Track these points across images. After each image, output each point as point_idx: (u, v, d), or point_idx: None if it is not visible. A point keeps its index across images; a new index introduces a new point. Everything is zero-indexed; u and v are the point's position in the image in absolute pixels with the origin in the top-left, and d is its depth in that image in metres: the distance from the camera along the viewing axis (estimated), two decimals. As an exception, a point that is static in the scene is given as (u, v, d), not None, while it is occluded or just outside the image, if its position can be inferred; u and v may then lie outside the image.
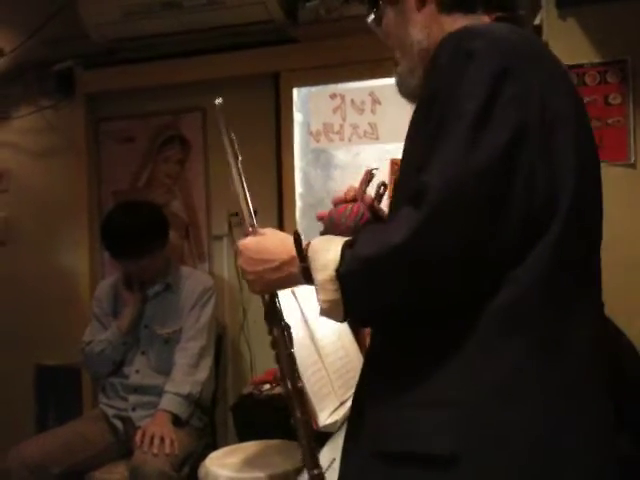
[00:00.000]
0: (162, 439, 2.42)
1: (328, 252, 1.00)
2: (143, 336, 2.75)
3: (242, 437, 2.50)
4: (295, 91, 3.13)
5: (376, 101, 2.97)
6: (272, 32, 3.00)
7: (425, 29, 1.16)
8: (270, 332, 1.22)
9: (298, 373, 1.22)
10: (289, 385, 1.21)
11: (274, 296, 1.22)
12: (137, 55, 3.23)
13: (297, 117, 3.14)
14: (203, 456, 2.12)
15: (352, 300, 0.98)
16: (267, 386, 2.42)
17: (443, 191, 0.91)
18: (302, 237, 1.08)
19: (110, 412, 2.72)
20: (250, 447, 2.03)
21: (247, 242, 1.17)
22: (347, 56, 2.90)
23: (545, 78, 1.01)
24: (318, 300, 1.00)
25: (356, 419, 1.10)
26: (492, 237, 0.94)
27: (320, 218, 1.44)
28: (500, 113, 0.94)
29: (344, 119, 3.02)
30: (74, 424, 2.74)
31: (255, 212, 1.24)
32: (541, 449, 0.94)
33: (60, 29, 3.11)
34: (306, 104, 3.13)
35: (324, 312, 1.01)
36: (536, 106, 0.98)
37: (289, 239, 1.10)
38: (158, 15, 2.93)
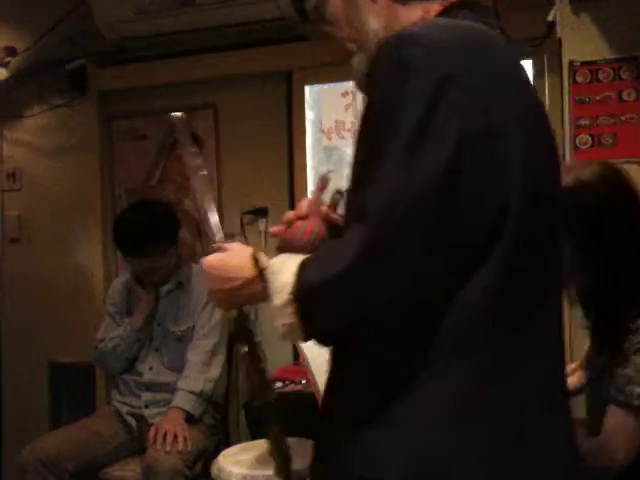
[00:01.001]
0: (175, 436, 2.43)
1: (283, 275, 0.98)
2: (156, 334, 2.76)
3: (254, 434, 2.50)
4: (307, 89, 3.13)
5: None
6: (284, 30, 3.00)
7: (380, 18, 1.11)
8: (240, 348, 1.22)
9: (270, 387, 1.24)
10: (259, 398, 1.22)
11: (243, 312, 1.21)
12: (150, 53, 3.23)
13: (309, 115, 3.13)
14: (216, 453, 2.13)
15: (307, 324, 0.97)
16: (280, 384, 2.42)
17: (384, 212, 0.89)
18: (260, 255, 1.07)
19: (123, 409, 2.74)
20: (263, 444, 2.03)
21: (211, 260, 1.15)
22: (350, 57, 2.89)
23: (490, 82, 0.95)
24: (276, 323, 1.00)
25: (324, 433, 1.08)
26: (437, 256, 0.91)
27: (275, 235, 1.38)
28: (440, 125, 0.89)
29: (356, 117, 3.02)
30: (88, 421, 2.75)
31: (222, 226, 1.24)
32: (490, 474, 0.93)
33: (73, 28, 3.13)
34: (318, 102, 3.13)
35: (283, 335, 1.00)
36: (478, 115, 0.91)
37: (252, 257, 1.08)
38: (171, 13, 2.94)
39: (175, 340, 2.74)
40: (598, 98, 2.38)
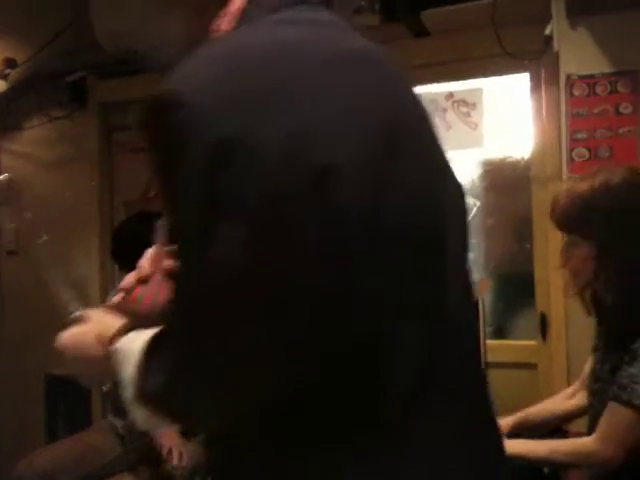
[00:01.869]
0: (170, 451, 2.42)
1: (127, 364, 0.85)
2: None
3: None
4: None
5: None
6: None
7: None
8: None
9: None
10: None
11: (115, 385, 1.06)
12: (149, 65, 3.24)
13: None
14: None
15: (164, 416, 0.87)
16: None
17: (179, 328, 0.77)
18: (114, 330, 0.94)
19: (118, 423, 2.72)
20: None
21: (65, 339, 1.04)
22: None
23: (303, 129, 0.69)
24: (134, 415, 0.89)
25: None
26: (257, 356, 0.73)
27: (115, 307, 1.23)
28: (222, 208, 0.68)
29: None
30: (84, 435, 2.74)
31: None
32: None
33: (73, 40, 3.14)
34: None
35: (141, 425, 0.91)
36: (277, 178, 0.68)
37: (109, 328, 0.95)
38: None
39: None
40: (595, 111, 2.39)
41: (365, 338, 0.74)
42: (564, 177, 2.45)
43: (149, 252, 1.18)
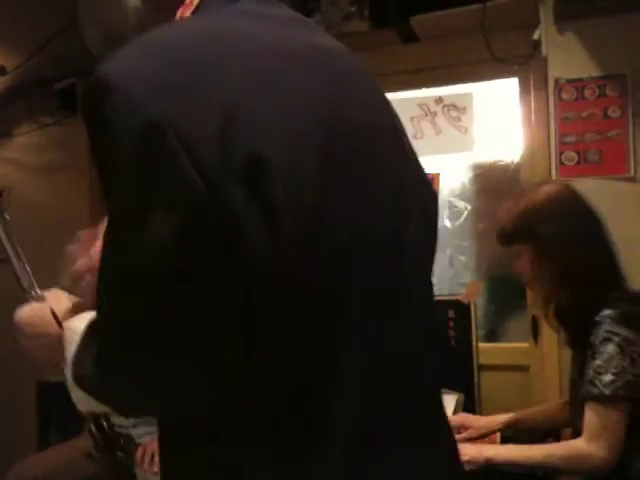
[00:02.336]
0: (144, 454, 2.40)
1: (73, 345, 0.85)
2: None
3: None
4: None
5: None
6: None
7: None
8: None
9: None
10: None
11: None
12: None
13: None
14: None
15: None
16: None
17: (106, 314, 0.74)
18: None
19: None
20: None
21: (23, 313, 1.04)
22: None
23: (233, 122, 0.68)
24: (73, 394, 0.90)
25: None
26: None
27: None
28: (156, 190, 0.67)
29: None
30: (76, 441, 2.72)
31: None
32: None
33: (62, 46, 3.13)
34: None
35: (79, 406, 0.93)
36: (206, 168, 0.66)
37: (65, 307, 0.97)
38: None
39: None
40: (584, 115, 2.40)
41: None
42: (554, 180, 2.46)
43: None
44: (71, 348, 0.84)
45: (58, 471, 2.48)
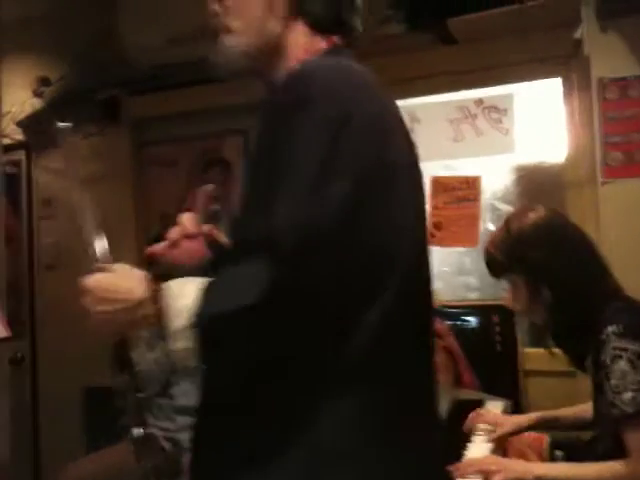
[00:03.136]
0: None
1: (183, 298, 0.95)
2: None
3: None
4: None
5: (415, 120, 2.96)
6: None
7: (278, 24, 1.10)
8: (119, 376, 1.20)
9: (144, 418, 1.24)
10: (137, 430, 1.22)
11: (124, 339, 1.13)
12: (180, 80, 3.28)
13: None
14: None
15: (203, 352, 0.93)
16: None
17: (291, 243, 0.87)
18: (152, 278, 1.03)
19: (159, 434, 2.74)
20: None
21: (100, 278, 1.05)
22: (384, 75, 2.90)
23: (380, 126, 0.98)
24: (171, 347, 0.97)
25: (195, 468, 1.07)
26: (344, 287, 0.91)
27: (151, 257, 1.31)
28: (340, 164, 0.90)
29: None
30: (123, 445, 2.76)
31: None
32: None
33: (104, 56, 3.19)
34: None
35: (177, 360, 0.98)
36: (373, 158, 0.94)
37: (143, 278, 1.03)
38: (201, 40, 2.98)
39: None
40: (628, 114, 2.36)
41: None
42: (599, 181, 2.42)
43: (186, 215, 1.27)
44: (181, 301, 0.94)
45: (105, 475, 2.52)
